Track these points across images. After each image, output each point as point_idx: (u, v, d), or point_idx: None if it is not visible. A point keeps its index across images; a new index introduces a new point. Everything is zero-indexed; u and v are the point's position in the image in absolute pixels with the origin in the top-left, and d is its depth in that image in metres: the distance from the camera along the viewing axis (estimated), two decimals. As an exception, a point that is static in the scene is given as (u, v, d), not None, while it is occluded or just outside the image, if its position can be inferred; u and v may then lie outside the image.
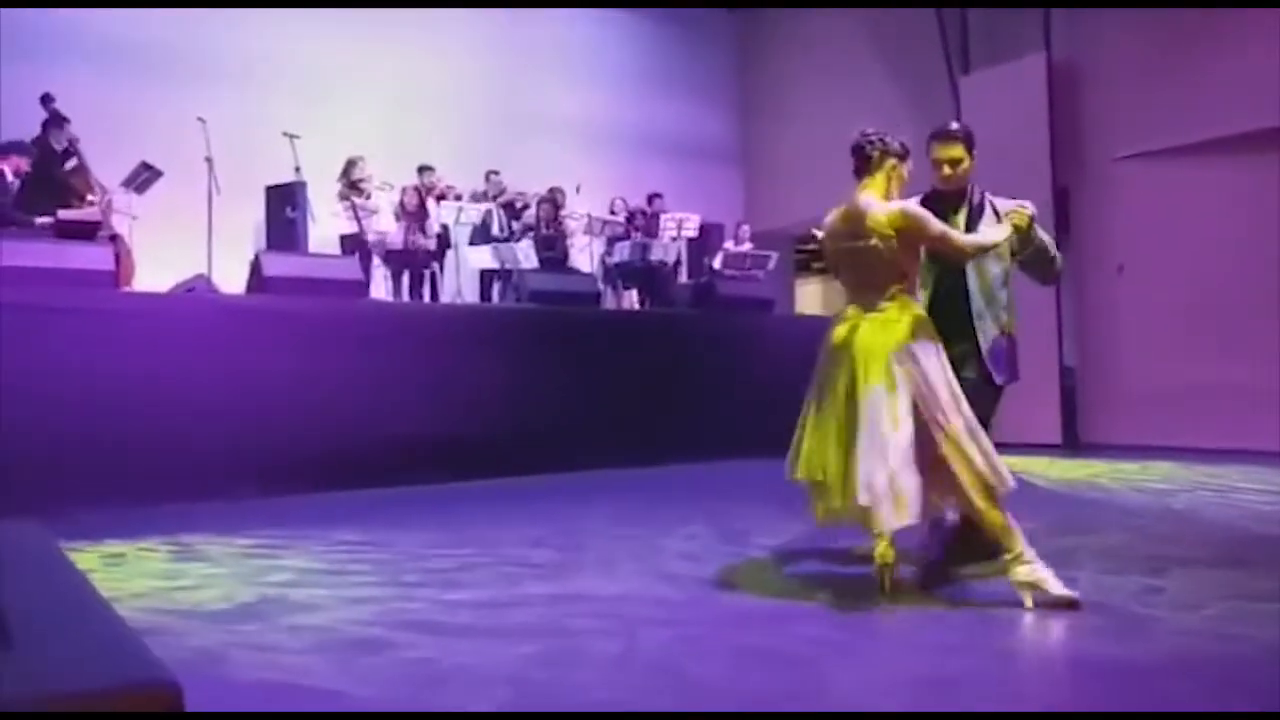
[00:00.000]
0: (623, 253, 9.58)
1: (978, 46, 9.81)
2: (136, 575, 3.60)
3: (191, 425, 5.54)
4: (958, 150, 3.38)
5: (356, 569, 3.73)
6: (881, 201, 3.19)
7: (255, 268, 6.50)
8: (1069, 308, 8.90)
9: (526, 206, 9.56)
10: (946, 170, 3.38)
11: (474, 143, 10.12)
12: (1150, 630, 2.81)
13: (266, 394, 5.84)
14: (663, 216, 10.13)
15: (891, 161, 3.24)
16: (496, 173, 9.71)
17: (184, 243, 7.61)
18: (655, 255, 9.53)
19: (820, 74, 11.68)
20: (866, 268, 3.18)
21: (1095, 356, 8.90)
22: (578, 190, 10.10)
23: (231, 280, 7.14)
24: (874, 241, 3.12)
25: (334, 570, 3.71)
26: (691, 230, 9.98)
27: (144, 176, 7.58)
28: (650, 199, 10.44)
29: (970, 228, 3.35)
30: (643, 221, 10.14)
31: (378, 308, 7.28)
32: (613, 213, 10.28)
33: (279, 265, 6.53)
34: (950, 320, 3.26)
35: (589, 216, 9.93)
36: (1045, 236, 3.49)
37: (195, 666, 2.48)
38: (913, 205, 3.25)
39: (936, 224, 3.15)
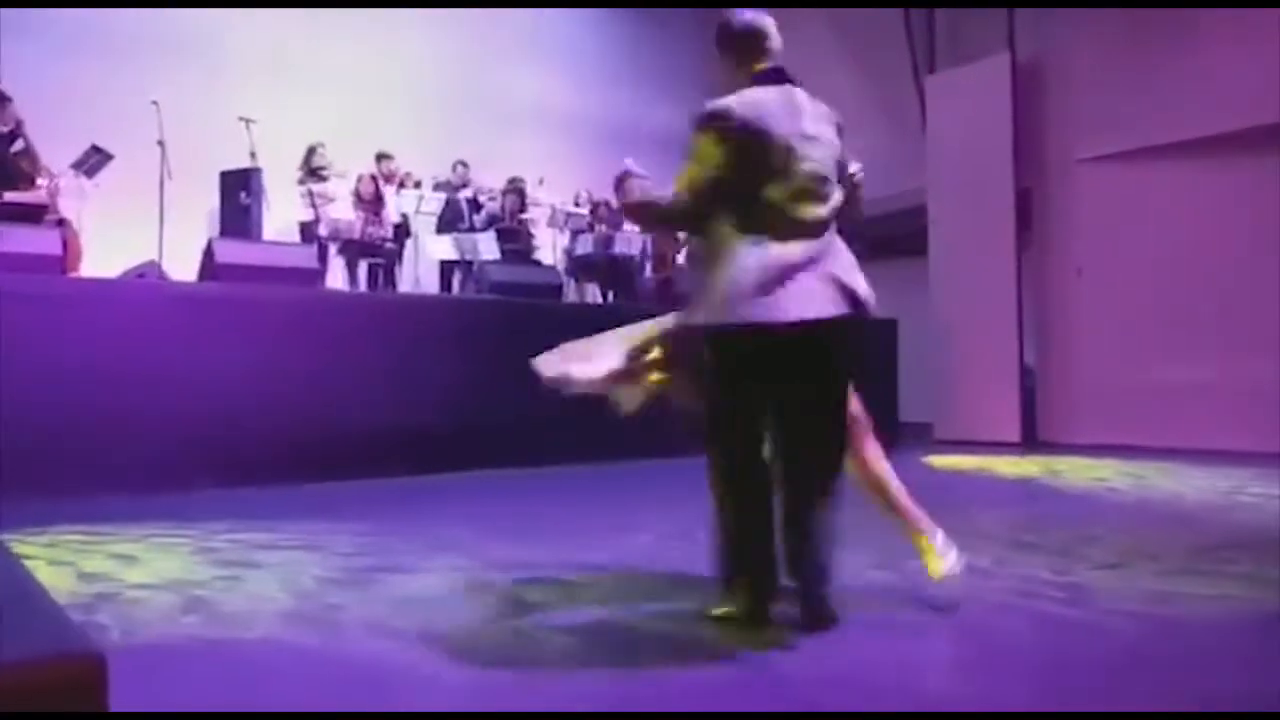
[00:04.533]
0: (586, 246, 9.51)
1: (944, 46, 9.87)
2: (74, 563, 3.47)
3: (140, 414, 5.37)
4: None
5: (304, 559, 3.63)
6: None
7: (207, 254, 6.35)
8: (1029, 307, 8.98)
9: (493, 199, 9.47)
10: None
11: (437, 131, 9.98)
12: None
13: (218, 383, 5.68)
14: (627, 211, 10.06)
15: None
16: (465, 164, 9.60)
17: (134, 228, 7.42)
18: (619, 249, 9.47)
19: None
20: None
21: (1054, 356, 8.99)
22: (540, 183, 10.03)
23: (183, 267, 6.96)
24: None
25: (281, 562, 3.60)
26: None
27: (94, 160, 7.38)
28: (617, 192, 10.37)
29: None
30: (607, 214, 10.09)
31: (333, 297, 7.14)
32: (576, 205, 10.21)
33: (232, 252, 6.37)
34: None
35: (553, 208, 9.86)
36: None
37: (122, 643, 2.43)
38: None
39: None
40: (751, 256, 2.56)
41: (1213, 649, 2.59)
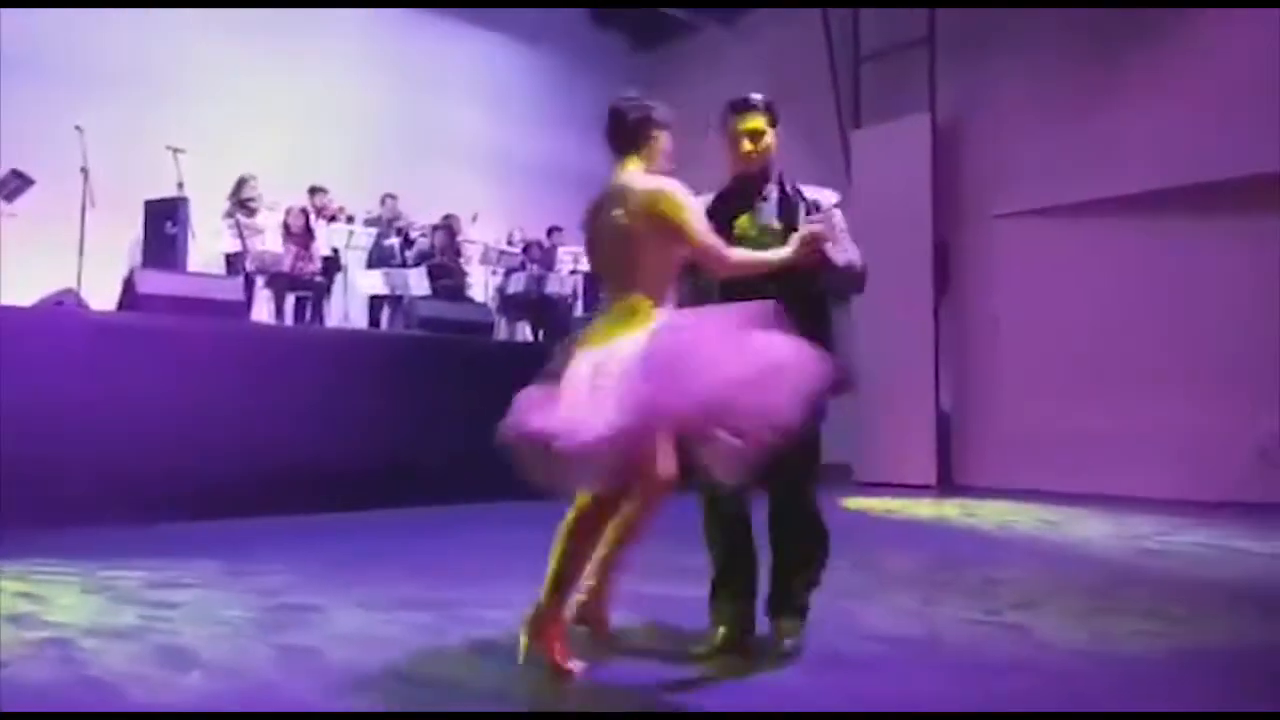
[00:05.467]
0: (518, 284, 9.55)
1: (869, 103, 10.22)
2: (-20, 604, 3.38)
3: (53, 447, 5.24)
4: (759, 121, 2.95)
5: (213, 600, 3.58)
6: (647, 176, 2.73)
7: (128, 285, 6.25)
8: (946, 356, 9.27)
9: (424, 234, 9.45)
10: (747, 145, 2.95)
11: (370, 164, 9.91)
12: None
13: (137, 416, 5.58)
14: (560, 249, 10.16)
15: (655, 133, 2.79)
16: (393, 196, 9.57)
17: (53, 256, 7.24)
18: (551, 288, 9.53)
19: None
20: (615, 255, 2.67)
21: (971, 402, 9.28)
22: (474, 219, 10.06)
23: (102, 297, 6.81)
24: (625, 222, 2.63)
25: (190, 601, 3.55)
26: (588, 264, 10.01)
27: (14, 184, 7.22)
28: (549, 231, 10.46)
29: (784, 218, 2.92)
30: (539, 254, 10.15)
31: (258, 330, 7.06)
32: (510, 243, 10.26)
33: (154, 283, 6.28)
34: None
35: (485, 246, 9.89)
36: (847, 247, 2.85)
37: (19, 694, 2.39)
38: (678, 187, 2.68)
39: (702, 223, 2.65)
40: None
41: (1133, 672, 2.84)
